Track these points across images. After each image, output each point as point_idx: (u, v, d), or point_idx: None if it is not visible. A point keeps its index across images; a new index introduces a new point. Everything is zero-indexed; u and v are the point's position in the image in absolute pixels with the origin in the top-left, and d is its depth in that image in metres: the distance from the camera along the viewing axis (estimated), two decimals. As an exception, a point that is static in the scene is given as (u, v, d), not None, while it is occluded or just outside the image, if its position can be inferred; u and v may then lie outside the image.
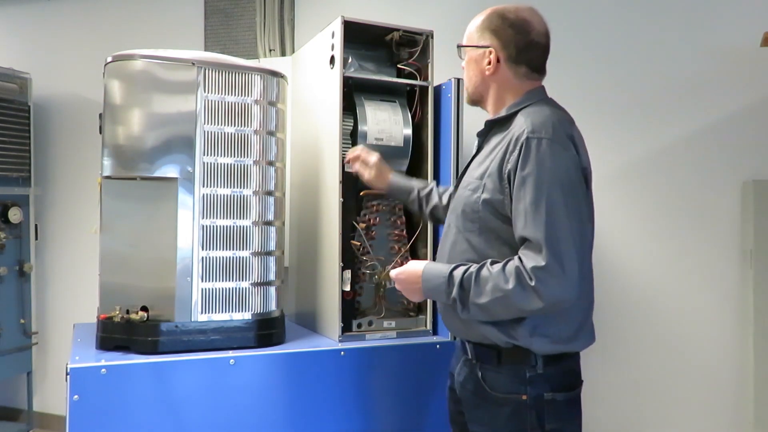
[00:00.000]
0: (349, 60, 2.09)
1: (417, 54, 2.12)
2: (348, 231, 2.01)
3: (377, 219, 2.12)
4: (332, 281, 2.01)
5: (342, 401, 1.91)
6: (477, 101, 1.57)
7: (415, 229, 2.14)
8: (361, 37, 2.09)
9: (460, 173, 1.58)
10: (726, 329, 2.35)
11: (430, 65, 2.12)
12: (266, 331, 1.93)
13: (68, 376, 1.64)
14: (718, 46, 2.35)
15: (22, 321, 3.25)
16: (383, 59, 2.20)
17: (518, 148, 1.35)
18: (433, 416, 2.01)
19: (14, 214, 3.17)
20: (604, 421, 2.45)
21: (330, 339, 2.03)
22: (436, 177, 2.13)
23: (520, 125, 1.39)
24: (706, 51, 2.37)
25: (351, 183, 2.01)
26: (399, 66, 2.15)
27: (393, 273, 1.58)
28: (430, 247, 2.11)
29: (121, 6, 3.37)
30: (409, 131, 2.13)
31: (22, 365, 3.29)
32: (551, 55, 1.51)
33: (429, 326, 2.11)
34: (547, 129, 1.36)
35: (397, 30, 2.09)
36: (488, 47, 1.47)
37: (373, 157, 1.89)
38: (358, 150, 1.93)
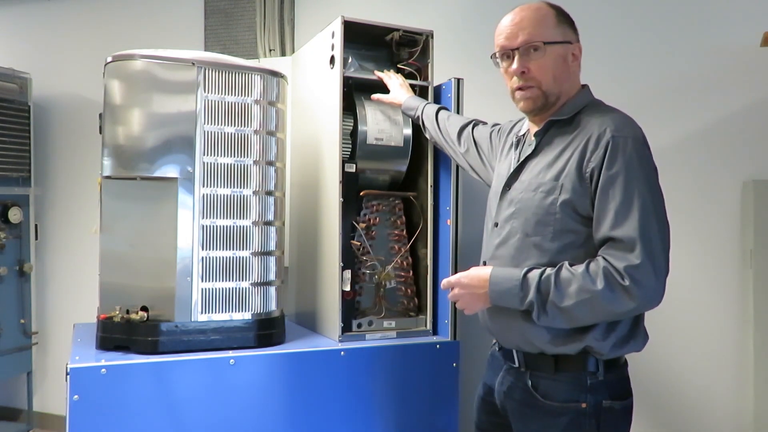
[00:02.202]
0: (349, 60, 2.10)
1: (417, 54, 2.12)
2: (348, 231, 2.01)
3: (377, 219, 2.12)
4: (332, 281, 2.01)
5: (342, 401, 1.91)
6: (551, 104, 1.45)
7: (415, 229, 2.14)
8: (361, 37, 2.09)
9: (508, 175, 1.49)
10: (726, 329, 2.35)
11: (430, 65, 2.12)
12: (266, 331, 1.93)
13: (68, 376, 1.64)
14: (718, 46, 2.35)
15: (22, 321, 3.26)
16: (383, 59, 2.20)
17: (603, 147, 1.31)
18: (433, 416, 2.01)
19: (14, 214, 3.17)
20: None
21: (330, 339, 2.03)
22: (436, 177, 2.13)
23: (599, 124, 1.35)
24: (706, 51, 2.37)
25: (351, 183, 2.02)
26: (399, 66, 2.15)
27: (453, 278, 1.45)
28: (430, 247, 2.12)
29: (121, 6, 3.37)
30: (409, 131, 2.13)
31: (22, 365, 3.29)
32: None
33: (429, 326, 2.11)
34: (630, 128, 1.34)
35: (397, 30, 2.09)
36: (571, 43, 1.43)
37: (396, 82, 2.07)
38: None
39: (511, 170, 1.49)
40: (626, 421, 1.42)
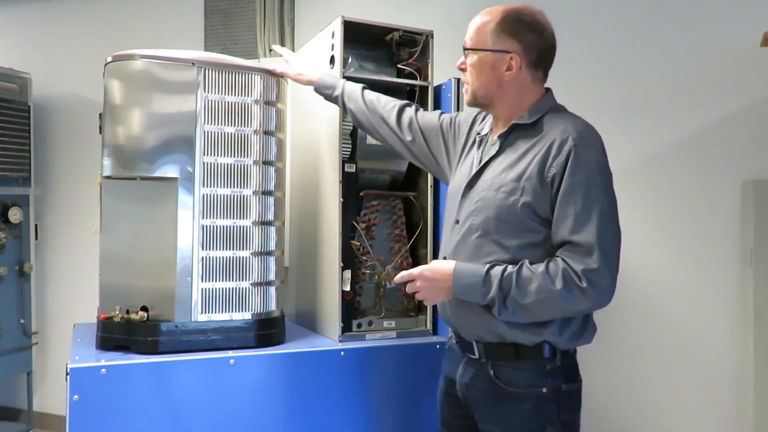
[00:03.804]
0: (349, 60, 2.09)
1: (417, 54, 2.12)
2: (348, 231, 2.01)
3: (377, 219, 2.12)
4: (332, 281, 2.01)
5: (342, 401, 1.91)
6: (484, 104, 1.53)
7: (415, 229, 2.14)
8: (361, 37, 2.09)
9: (471, 174, 1.52)
10: (726, 329, 2.35)
11: (430, 65, 2.12)
12: (266, 331, 1.93)
13: (68, 376, 1.64)
14: (718, 46, 2.35)
15: (22, 321, 3.26)
16: (383, 59, 2.20)
17: (565, 154, 1.37)
18: (432, 416, 2.01)
19: (14, 214, 3.17)
20: (603, 421, 2.45)
21: (330, 339, 2.03)
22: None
23: (561, 131, 1.40)
24: (706, 51, 2.37)
25: (351, 183, 2.02)
26: (399, 66, 2.15)
27: (415, 271, 1.50)
28: (430, 247, 2.11)
29: (121, 6, 3.37)
30: (409, 131, 2.12)
31: (22, 365, 3.29)
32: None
33: (429, 326, 2.11)
34: (591, 137, 1.41)
35: (397, 30, 2.09)
36: (509, 52, 1.44)
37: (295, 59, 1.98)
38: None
39: (474, 171, 1.53)
40: (579, 403, 1.50)
